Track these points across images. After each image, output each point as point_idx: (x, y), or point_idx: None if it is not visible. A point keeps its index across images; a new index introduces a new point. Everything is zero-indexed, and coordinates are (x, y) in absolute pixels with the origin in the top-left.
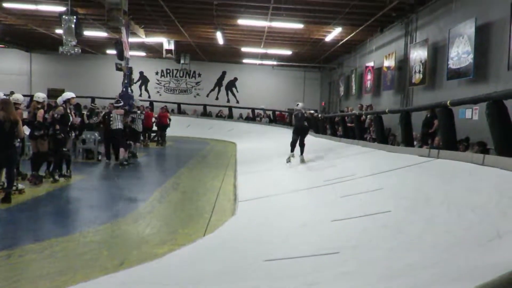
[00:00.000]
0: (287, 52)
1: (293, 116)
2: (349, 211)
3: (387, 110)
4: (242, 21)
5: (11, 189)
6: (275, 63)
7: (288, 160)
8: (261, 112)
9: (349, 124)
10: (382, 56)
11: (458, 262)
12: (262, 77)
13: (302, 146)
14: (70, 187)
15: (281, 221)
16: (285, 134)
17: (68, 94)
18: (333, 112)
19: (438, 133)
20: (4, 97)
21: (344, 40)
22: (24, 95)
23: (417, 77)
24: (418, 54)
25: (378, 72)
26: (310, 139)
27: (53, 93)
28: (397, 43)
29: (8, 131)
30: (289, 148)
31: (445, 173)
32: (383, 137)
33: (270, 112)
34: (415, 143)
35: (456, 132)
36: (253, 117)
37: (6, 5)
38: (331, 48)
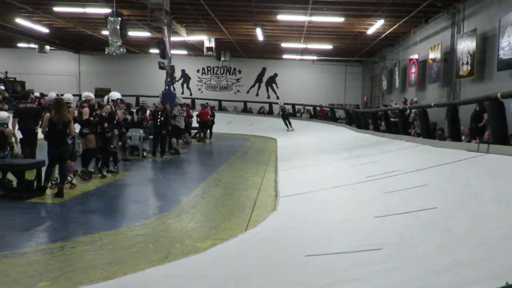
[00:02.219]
0: (328, 46)
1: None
2: (392, 208)
3: (432, 104)
4: (282, 17)
5: (64, 184)
6: (315, 58)
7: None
8: (302, 107)
9: (392, 119)
10: (427, 48)
11: (507, 259)
12: (302, 72)
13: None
14: (117, 183)
15: (323, 217)
16: (326, 130)
17: (114, 95)
18: (375, 106)
19: (487, 128)
20: (57, 96)
21: (387, 33)
22: (73, 95)
23: (464, 69)
24: (466, 45)
25: (423, 64)
26: (352, 134)
27: (100, 92)
28: (442, 34)
29: (61, 130)
30: (329, 144)
31: (495, 169)
32: (429, 132)
33: (311, 108)
34: (462, 138)
35: (507, 126)
36: (293, 113)
37: (56, 9)
38: (373, 42)
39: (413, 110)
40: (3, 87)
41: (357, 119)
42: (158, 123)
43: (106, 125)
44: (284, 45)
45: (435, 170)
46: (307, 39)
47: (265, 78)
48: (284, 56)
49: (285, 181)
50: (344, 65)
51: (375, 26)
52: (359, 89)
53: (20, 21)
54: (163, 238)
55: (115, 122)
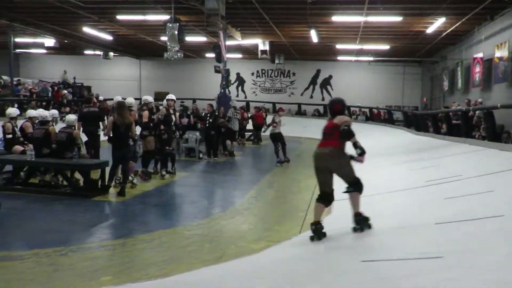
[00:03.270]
0: (385, 47)
1: None
2: (454, 214)
3: (499, 105)
4: (337, 18)
5: (125, 183)
6: (371, 59)
7: None
8: (357, 109)
9: (454, 121)
10: (492, 46)
11: None
12: (357, 73)
13: None
14: (175, 183)
15: (380, 221)
16: (383, 132)
17: (168, 96)
18: (435, 108)
19: None
20: (121, 100)
21: (448, 31)
22: (135, 99)
23: None
24: None
25: (488, 63)
26: (410, 137)
27: (159, 96)
28: (510, 31)
29: (124, 132)
30: (385, 147)
31: None
32: (495, 135)
33: (367, 110)
34: None
35: None
36: (348, 115)
37: (119, 17)
38: (433, 41)
39: (477, 112)
40: (65, 91)
41: (416, 121)
42: (207, 125)
43: (162, 127)
44: (339, 46)
45: (502, 176)
46: (363, 39)
47: (319, 80)
48: (339, 58)
49: (339, 184)
50: (402, 66)
51: (436, 24)
52: (418, 90)
53: (87, 29)
54: (218, 239)
55: (172, 124)
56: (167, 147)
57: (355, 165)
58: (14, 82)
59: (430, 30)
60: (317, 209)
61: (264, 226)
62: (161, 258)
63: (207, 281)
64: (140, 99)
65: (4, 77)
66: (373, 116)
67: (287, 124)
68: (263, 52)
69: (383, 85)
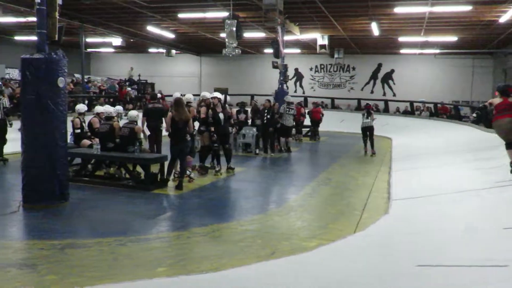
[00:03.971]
0: (452, 38)
1: None
2: None
3: None
4: (400, 9)
5: (183, 178)
6: (437, 51)
7: None
8: (421, 105)
9: None
10: None
11: None
12: (422, 67)
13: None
14: (231, 178)
15: (440, 224)
16: (448, 129)
17: (212, 94)
18: None
19: None
20: (178, 96)
21: None
22: (194, 95)
23: None
24: None
25: None
26: (479, 134)
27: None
28: None
29: (181, 128)
30: (451, 144)
31: None
32: None
33: (431, 105)
34: None
35: None
36: (411, 111)
37: (181, 16)
38: (506, 30)
39: None
40: (129, 89)
41: (486, 118)
42: (265, 121)
43: (212, 128)
44: (402, 39)
45: None
46: (428, 31)
47: (380, 75)
48: (402, 51)
49: (400, 183)
50: (471, 58)
51: (510, 13)
52: (489, 85)
53: (150, 28)
54: (271, 235)
55: (222, 122)
56: (215, 145)
57: None
58: (85, 80)
59: (503, 19)
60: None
61: (318, 224)
62: (214, 252)
63: (258, 276)
64: (199, 95)
65: (76, 75)
66: (438, 112)
67: (345, 120)
68: (322, 46)
69: (449, 79)
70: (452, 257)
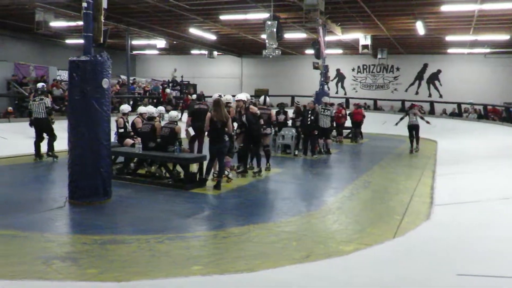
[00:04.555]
0: (504, 37)
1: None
2: None
3: None
4: (446, 7)
5: (221, 178)
6: (487, 51)
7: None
8: (469, 107)
9: None
10: None
11: None
12: (470, 67)
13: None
14: (269, 179)
15: (485, 232)
16: (499, 132)
17: (237, 96)
18: None
19: None
20: (217, 97)
21: None
22: (233, 96)
23: None
24: None
25: None
26: None
27: (259, 93)
28: None
29: (220, 128)
30: (501, 148)
31: None
32: None
33: (480, 107)
34: None
35: None
36: (459, 113)
37: (222, 17)
38: None
39: None
40: (169, 90)
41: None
42: (308, 123)
43: (237, 130)
44: (449, 38)
45: None
46: (478, 30)
47: (426, 75)
48: (449, 51)
49: (443, 187)
50: None
51: None
52: None
53: (193, 30)
54: (307, 237)
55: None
56: (240, 145)
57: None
58: (130, 81)
59: None
60: None
61: (356, 228)
62: (249, 253)
63: (292, 279)
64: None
65: (122, 77)
66: (487, 114)
67: (388, 122)
68: (365, 46)
69: (501, 80)
70: (496, 266)
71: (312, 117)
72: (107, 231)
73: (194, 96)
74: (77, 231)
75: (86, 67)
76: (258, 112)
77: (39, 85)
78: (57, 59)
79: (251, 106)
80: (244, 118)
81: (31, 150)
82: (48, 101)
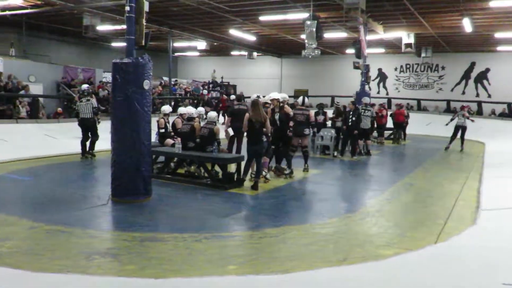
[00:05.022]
0: None
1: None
2: None
3: None
4: (495, 3)
5: (259, 178)
6: None
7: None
8: None
9: None
10: None
11: None
12: None
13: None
14: (307, 180)
15: None
16: None
17: (271, 95)
18: None
19: None
20: (255, 98)
21: None
22: None
23: None
24: None
25: None
26: None
27: (298, 94)
28: None
29: (258, 129)
30: None
31: None
32: None
33: None
34: None
35: None
36: (509, 113)
37: (262, 18)
38: None
39: None
40: (205, 92)
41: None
42: (350, 123)
43: (291, 124)
44: (498, 35)
45: None
46: None
47: (473, 74)
48: (499, 48)
49: (491, 191)
50: None
51: None
52: None
53: (233, 32)
54: (344, 240)
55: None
56: (272, 146)
57: None
58: (172, 82)
59: None
60: None
61: (396, 231)
62: (284, 254)
63: (328, 282)
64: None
65: (165, 78)
66: None
67: (433, 123)
68: (408, 45)
69: None
70: None
71: (354, 118)
72: (146, 228)
73: (233, 97)
74: (118, 228)
75: (128, 69)
76: (291, 113)
77: (84, 86)
78: (103, 61)
79: (286, 106)
80: (277, 117)
81: (78, 149)
82: (94, 101)
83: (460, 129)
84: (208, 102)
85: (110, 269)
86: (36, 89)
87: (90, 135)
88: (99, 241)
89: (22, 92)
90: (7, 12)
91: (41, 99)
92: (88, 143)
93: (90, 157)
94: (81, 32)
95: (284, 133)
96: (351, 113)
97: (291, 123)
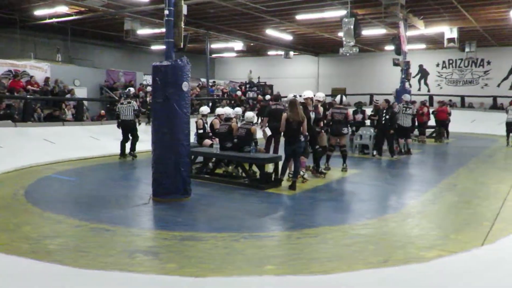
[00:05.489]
0: None
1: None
2: None
3: None
4: None
5: (296, 178)
6: None
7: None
8: None
9: None
10: None
11: None
12: None
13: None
14: (345, 180)
15: None
16: None
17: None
18: None
19: None
20: (292, 97)
21: None
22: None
23: None
24: None
25: None
26: None
27: (336, 93)
28: None
29: (295, 129)
30: None
31: None
32: None
33: None
34: None
35: None
36: None
37: (298, 17)
38: None
39: None
40: (239, 93)
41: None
42: (383, 122)
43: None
44: None
45: None
46: None
47: None
48: None
49: None
50: None
51: None
52: None
53: (269, 32)
54: (384, 242)
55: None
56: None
57: None
58: (210, 84)
59: None
60: None
61: (439, 233)
62: (323, 255)
63: (368, 284)
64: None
65: (202, 79)
66: None
67: (477, 120)
68: (450, 40)
69: None
70: None
71: (387, 116)
72: (186, 228)
73: (268, 97)
74: (159, 227)
75: (167, 72)
76: (320, 113)
77: (129, 89)
78: (143, 64)
79: (319, 106)
80: (313, 115)
81: (119, 150)
82: (135, 104)
83: (510, 125)
84: (242, 102)
85: (152, 267)
86: (80, 92)
87: (130, 137)
88: (141, 240)
89: (68, 95)
90: (54, 20)
91: (85, 102)
92: (128, 145)
93: (132, 158)
94: (122, 37)
95: (313, 132)
96: (384, 111)
97: (321, 124)
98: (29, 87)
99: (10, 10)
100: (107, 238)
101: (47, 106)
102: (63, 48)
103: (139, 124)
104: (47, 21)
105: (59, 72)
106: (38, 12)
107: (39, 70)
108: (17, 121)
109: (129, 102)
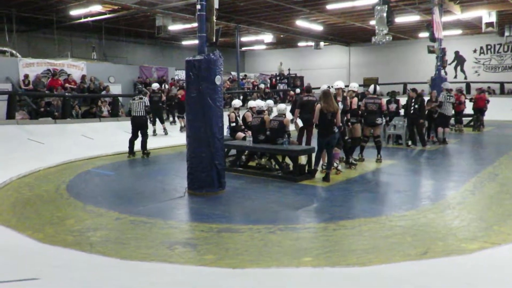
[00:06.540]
0: None
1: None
2: None
3: None
4: None
5: (330, 169)
6: None
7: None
8: None
9: None
10: None
11: None
12: None
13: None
14: (380, 171)
15: None
16: None
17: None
18: None
19: None
20: (326, 88)
21: None
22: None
23: None
24: None
25: None
26: None
27: (368, 83)
28: None
29: (329, 120)
30: None
31: None
32: None
33: None
34: None
35: None
36: None
37: (329, 7)
38: None
39: None
40: (262, 85)
41: None
42: (412, 111)
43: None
44: None
45: None
46: None
47: None
48: None
49: None
50: None
51: None
52: None
53: (299, 22)
54: (423, 233)
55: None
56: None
57: None
58: (240, 77)
59: None
60: None
61: (481, 224)
62: (360, 246)
63: (408, 276)
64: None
65: (233, 73)
66: None
67: None
68: (489, 24)
69: None
70: None
71: (416, 106)
72: (222, 220)
73: (298, 90)
74: (196, 219)
75: (201, 66)
76: (354, 105)
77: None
78: (175, 60)
79: (353, 97)
80: (341, 106)
81: (153, 145)
82: (146, 100)
83: None
84: (266, 94)
85: (190, 258)
86: (115, 89)
87: (140, 134)
88: (179, 232)
89: (103, 92)
90: (89, 19)
91: (120, 98)
92: (137, 143)
93: (142, 157)
94: (154, 33)
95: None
96: (413, 100)
97: (348, 115)
98: (67, 85)
99: (48, 12)
100: (146, 230)
101: (84, 103)
102: (97, 46)
103: (151, 120)
104: (82, 20)
105: (94, 70)
106: (74, 12)
107: (75, 69)
108: (57, 118)
109: (141, 98)
